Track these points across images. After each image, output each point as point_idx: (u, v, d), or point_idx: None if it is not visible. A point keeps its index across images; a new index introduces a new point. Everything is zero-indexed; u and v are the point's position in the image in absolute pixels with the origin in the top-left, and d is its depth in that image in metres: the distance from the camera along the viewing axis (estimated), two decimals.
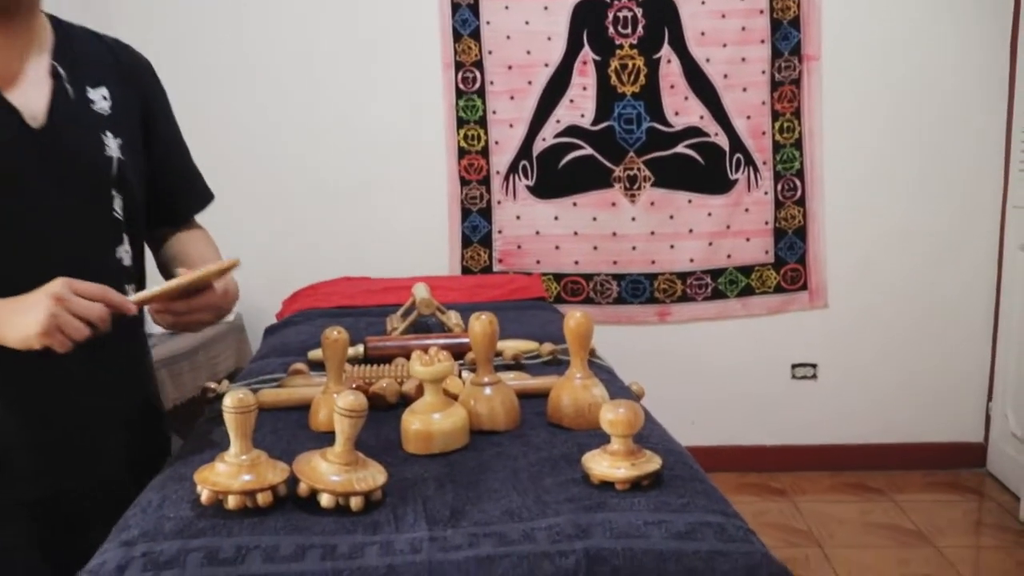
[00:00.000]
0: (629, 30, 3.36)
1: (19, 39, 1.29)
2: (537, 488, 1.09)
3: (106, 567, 0.92)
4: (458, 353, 1.62)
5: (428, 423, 1.22)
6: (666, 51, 3.38)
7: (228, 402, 1.03)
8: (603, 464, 1.10)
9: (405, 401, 1.42)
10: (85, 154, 1.33)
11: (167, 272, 1.48)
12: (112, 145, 1.35)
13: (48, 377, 1.28)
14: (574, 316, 1.32)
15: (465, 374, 1.49)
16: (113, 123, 1.37)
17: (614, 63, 3.37)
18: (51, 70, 1.32)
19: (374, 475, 1.06)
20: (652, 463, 1.11)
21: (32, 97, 1.28)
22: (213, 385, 1.58)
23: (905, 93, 3.43)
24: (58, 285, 1.12)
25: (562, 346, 1.74)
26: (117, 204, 1.37)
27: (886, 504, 3.31)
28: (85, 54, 1.38)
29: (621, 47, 3.37)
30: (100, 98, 1.37)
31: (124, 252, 1.40)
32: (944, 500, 3.34)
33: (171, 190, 1.51)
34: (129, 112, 1.41)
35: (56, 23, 1.38)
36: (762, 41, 3.38)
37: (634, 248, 3.46)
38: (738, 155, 3.43)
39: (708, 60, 3.39)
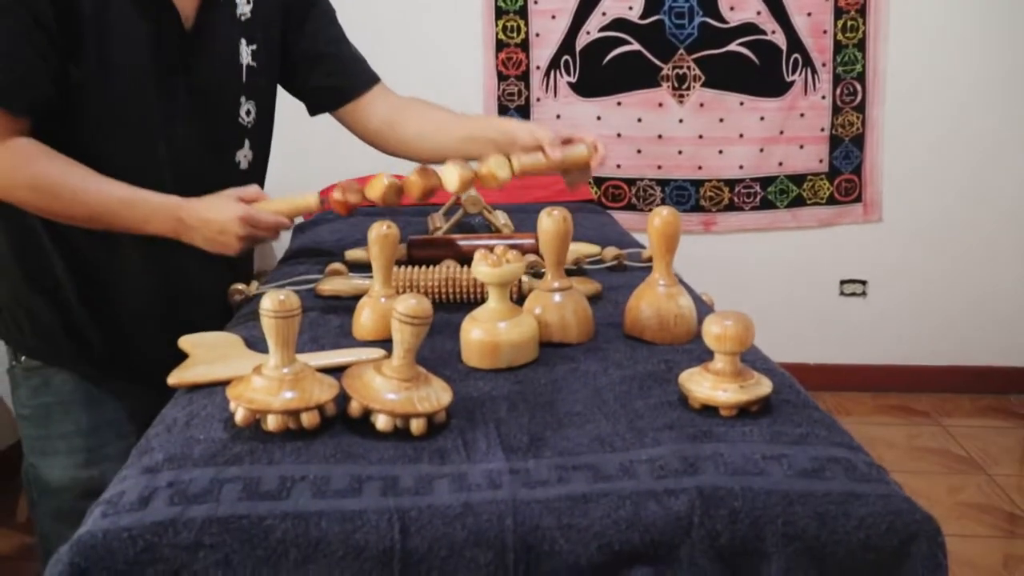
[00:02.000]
0: None
1: None
2: (628, 412, 0.93)
3: (126, 498, 0.77)
4: None
5: (494, 332, 1.05)
6: None
7: (267, 304, 0.85)
8: (705, 385, 0.93)
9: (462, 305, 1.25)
10: (220, 60, 1.39)
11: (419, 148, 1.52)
12: (245, 52, 1.41)
13: (182, 253, 1.33)
14: (660, 214, 1.14)
15: (524, 279, 1.31)
16: (250, 29, 1.41)
17: None
18: None
19: (438, 393, 0.89)
20: (762, 386, 0.94)
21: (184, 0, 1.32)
22: (241, 287, 1.42)
23: None
24: (240, 211, 1.25)
25: (627, 251, 1.57)
26: (243, 110, 1.43)
27: (934, 428, 3.17)
28: None
29: None
30: (243, 2, 1.40)
31: (243, 156, 1.46)
32: (996, 426, 3.20)
33: (330, 74, 1.54)
34: (269, 16, 1.44)
35: None
36: None
37: (680, 152, 3.24)
38: (796, 55, 3.19)
39: None
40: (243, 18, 1.40)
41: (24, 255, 1.37)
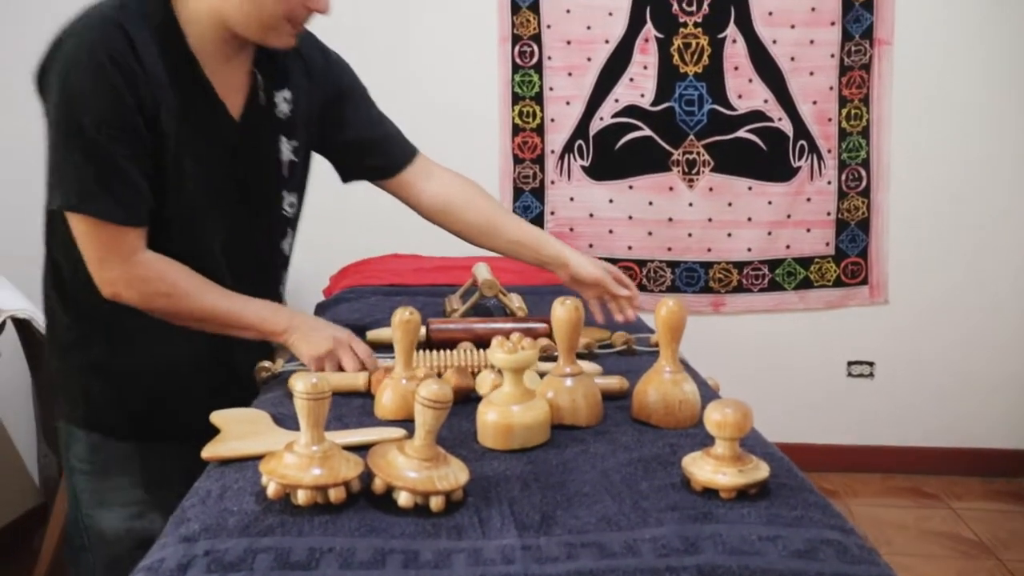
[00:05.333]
0: (694, 7, 3.22)
1: (244, 52, 1.42)
2: (633, 493, 0.99)
3: (166, 564, 0.83)
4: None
5: (507, 415, 1.12)
6: (731, 31, 3.23)
7: (300, 387, 0.93)
8: (706, 469, 0.99)
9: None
10: (263, 158, 1.48)
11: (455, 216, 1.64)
12: (286, 149, 1.50)
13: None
14: (666, 304, 1.21)
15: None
16: (290, 126, 1.50)
17: (677, 41, 3.23)
18: (251, 75, 1.44)
19: (456, 472, 0.96)
20: (760, 470, 1.00)
21: (233, 99, 1.42)
22: (267, 364, 1.49)
23: (980, 82, 3.27)
24: (342, 334, 1.41)
25: (636, 335, 1.64)
26: (286, 203, 1.53)
27: (944, 511, 3.18)
28: (277, 57, 1.46)
29: (685, 25, 3.23)
30: (282, 100, 1.48)
31: (287, 244, 1.58)
32: (1007, 510, 3.20)
33: (371, 156, 1.62)
34: (308, 112, 1.53)
35: None
36: (832, 23, 3.23)
37: (690, 235, 3.33)
38: (802, 142, 3.29)
39: (775, 41, 3.24)
40: (283, 116, 1.49)
41: (85, 338, 1.45)
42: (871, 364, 3.48)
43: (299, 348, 1.40)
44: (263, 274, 1.54)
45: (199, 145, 1.38)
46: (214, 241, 1.44)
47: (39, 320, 2.18)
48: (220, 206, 1.43)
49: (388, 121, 1.67)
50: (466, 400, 1.27)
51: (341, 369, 1.38)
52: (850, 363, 3.48)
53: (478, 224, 1.62)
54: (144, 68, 1.29)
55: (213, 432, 1.14)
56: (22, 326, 2.23)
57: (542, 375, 1.28)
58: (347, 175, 1.67)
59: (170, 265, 1.36)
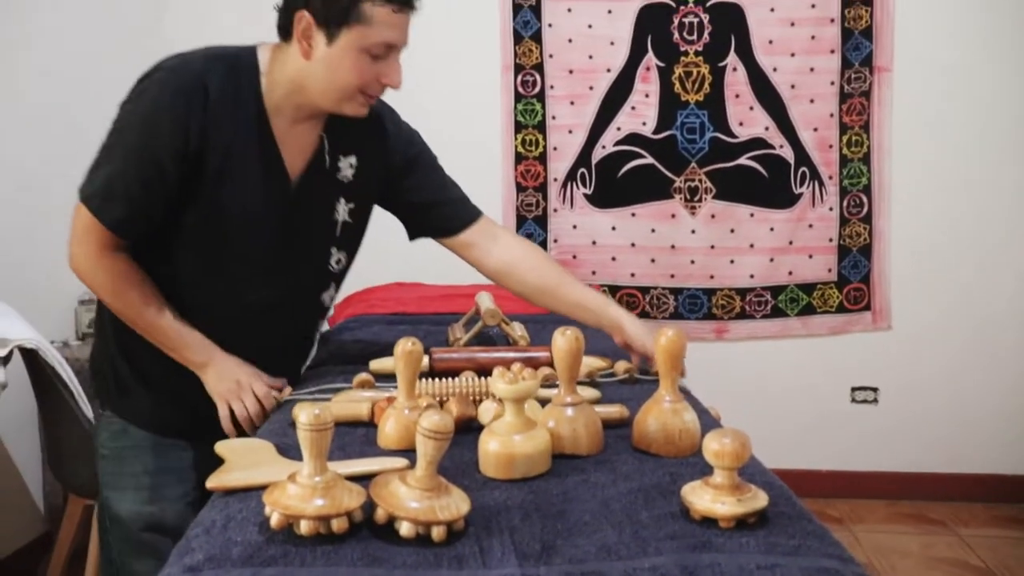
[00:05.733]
0: (695, 36, 3.26)
1: (317, 116, 1.52)
2: (633, 522, 1.00)
3: None
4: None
5: (509, 445, 1.13)
6: (732, 59, 3.27)
7: (303, 419, 0.94)
8: (705, 498, 1.00)
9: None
10: (318, 217, 1.58)
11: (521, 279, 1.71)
12: (342, 210, 1.60)
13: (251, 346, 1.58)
14: (665, 334, 1.22)
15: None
16: (350, 190, 1.60)
17: (678, 70, 3.27)
18: (319, 139, 1.54)
19: (457, 503, 0.97)
20: (759, 499, 1.01)
21: (296, 159, 1.52)
22: (273, 393, 1.50)
23: (979, 108, 3.30)
24: (247, 374, 1.52)
25: (637, 363, 1.64)
26: (334, 259, 1.63)
27: (950, 538, 3.16)
28: (348, 124, 1.53)
29: (686, 54, 3.27)
30: (347, 166, 1.59)
31: (328, 296, 1.68)
32: (1014, 536, 3.18)
33: (436, 217, 1.70)
34: (369, 178, 1.62)
35: None
36: (832, 51, 3.27)
37: (693, 262, 3.35)
38: (803, 169, 3.32)
39: (775, 69, 3.27)
40: (344, 180, 1.59)
41: (118, 326, 1.56)
42: (875, 390, 3.48)
43: (209, 384, 1.52)
44: (298, 319, 1.66)
45: (243, 187, 1.48)
46: (248, 285, 1.54)
47: (46, 350, 2.20)
48: (262, 251, 1.53)
49: (453, 185, 1.74)
50: (468, 429, 1.28)
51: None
52: (854, 389, 3.48)
53: (539, 287, 1.69)
54: (208, 117, 1.42)
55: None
56: (29, 356, 2.25)
57: (544, 403, 1.29)
58: (413, 233, 1.75)
59: (132, 272, 1.48)
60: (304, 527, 0.93)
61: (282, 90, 1.47)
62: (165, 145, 1.40)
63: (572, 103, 3.30)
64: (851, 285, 3.39)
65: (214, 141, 1.43)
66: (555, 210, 3.35)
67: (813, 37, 3.26)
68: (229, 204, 1.47)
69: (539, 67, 3.29)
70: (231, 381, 1.50)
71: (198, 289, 1.53)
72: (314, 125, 1.53)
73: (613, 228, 3.34)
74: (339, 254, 1.63)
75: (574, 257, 3.34)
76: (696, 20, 3.26)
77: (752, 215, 3.33)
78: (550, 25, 3.27)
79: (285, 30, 1.44)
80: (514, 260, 1.70)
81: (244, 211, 1.49)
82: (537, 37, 3.28)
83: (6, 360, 2.14)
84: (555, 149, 3.32)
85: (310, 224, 1.57)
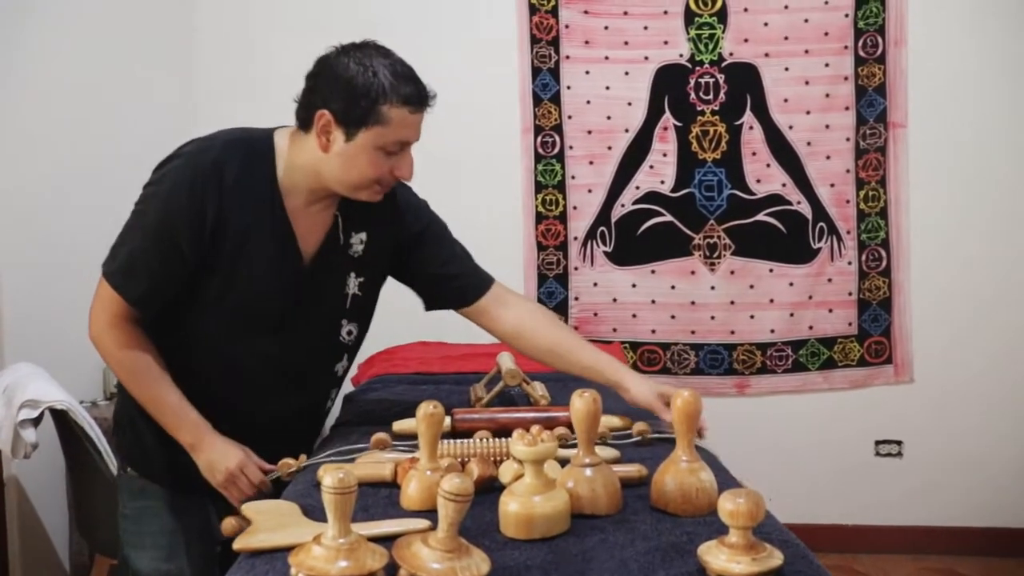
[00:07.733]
0: (711, 96, 3.32)
1: (331, 198, 1.59)
2: None
3: None
4: (548, 428, 1.55)
5: (529, 506, 1.16)
6: (748, 118, 3.33)
7: (328, 482, 0.97)
8: (721, 558, 1.02)
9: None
10: (329, 292, 1.63)
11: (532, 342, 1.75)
12: (352, 283, 1.66)
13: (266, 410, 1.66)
14: (681, 395, 1.25)
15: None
16: (360, 264, 1.65)
17: (695, 129, 3.33)
18: (332, 217, 1.61)
19: (478, 563, 0.99)
20: (774, 558, 1.03)
21: (310, 237, 1.59)
22: (291, 461, 1.53)
23: (995, 161, 3.32)
24: (237, 461, 1.54)
25: (654, 423, 1.66)
26: (344, 331, 1.68)
27: None
28: (361, 202, 1.58)
29: (703, 113, 3.33)
30: (358, 242, 1.65)
31: (341, 367, 1.73)
32: None
33: (448, 289, 1.75)
34: (379, 253, 1.68)
35: None
36: (847, 108, 3.32)
37: (713, 318, 3.37)
38: (821, 224, 3.35)
39: (791, 127, 3.32)
40: (355, 255, 1.65)
41: None
42: (899, 443, 3.46)
43: (203, 473, 1.57)
44: (311, 390, 1.71)
45: (260, 272, 1.55)
46: (258, 358, 1.61)
47: (76, 411, 2.24)
48: (273, 326, 1.59)
49: (463, 255, 1.79)
50: (490, 489, 1.31)
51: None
52: (878, 442, 3.46)
53: (549, 349, 1.73)
54: (224, 201, 1.50)
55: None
56: (59, 416, 2.29)
57: (563, 462, 1.32)
58: (428, 304, 1.80)
59: (144, 347, 1.56)
60: None
61: (298, 174, 1.55)
62: (183, 226, 1.48)
63: (591, 163, 3.36)
64: (872, 338, 3.39)
65: (230, 223, 1.51)
66: (576, 268, 3.38)
67: (827, 95, 3.31)
68: (244, 281, 1.55)
69: (558, 128, 3.36)
70: (221, 473, 1.55)
71: (211, 358, 1.60)
72: (328, 204, 1.60)
73: (633, 285, 3.37)
74: (350, 325, 1.69)
75: (595, 315, 3.38)
76: (712, 80, 3.32)
77: (771, 270, 3.35)
78: (568, 87, 3.35)
79: (305, 123, 1.52)
80: (524, 325, 1.74)
81: (258, 288, 1.56)
82: (556, 99, 3.35)
83: (37, 421, 2.19)
84: (575, 208, 3.38)
85: (321, 298, 1.63)
